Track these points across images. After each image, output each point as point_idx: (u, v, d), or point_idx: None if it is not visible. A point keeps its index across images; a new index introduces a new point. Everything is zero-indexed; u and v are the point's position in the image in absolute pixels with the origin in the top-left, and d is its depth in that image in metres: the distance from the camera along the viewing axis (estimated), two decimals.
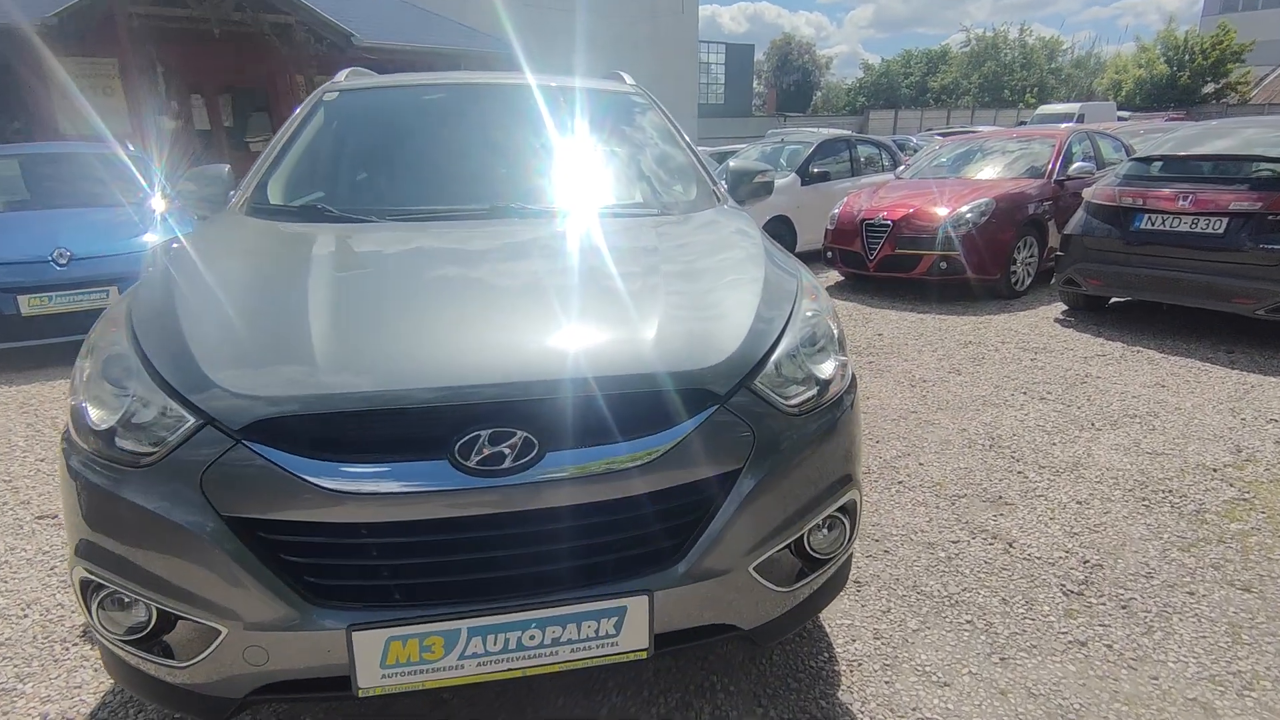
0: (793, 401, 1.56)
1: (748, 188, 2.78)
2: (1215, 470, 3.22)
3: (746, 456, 1.47)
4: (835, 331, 1.77)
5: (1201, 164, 5.29)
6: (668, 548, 1.45)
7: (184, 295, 1.61)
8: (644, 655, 1.43)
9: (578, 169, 2.54)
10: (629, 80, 3.20)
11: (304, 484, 1.27)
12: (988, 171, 7.61)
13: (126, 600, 1.37)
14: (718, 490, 1.46)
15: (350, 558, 1.33)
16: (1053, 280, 6.10)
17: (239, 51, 11.50)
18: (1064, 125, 9.60)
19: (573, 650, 1.39)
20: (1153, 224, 5.19)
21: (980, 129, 17.48)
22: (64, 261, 5.01)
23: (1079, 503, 2.96)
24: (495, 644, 1.35)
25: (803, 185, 8.75)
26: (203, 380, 1.35)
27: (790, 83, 55.54)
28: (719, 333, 1.56)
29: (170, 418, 1.34)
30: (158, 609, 1.35)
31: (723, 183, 2.75)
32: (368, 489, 1.28)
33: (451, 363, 1.40)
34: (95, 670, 2.07)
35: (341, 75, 3.00)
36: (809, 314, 1.75)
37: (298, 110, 2.71)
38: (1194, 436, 3.58)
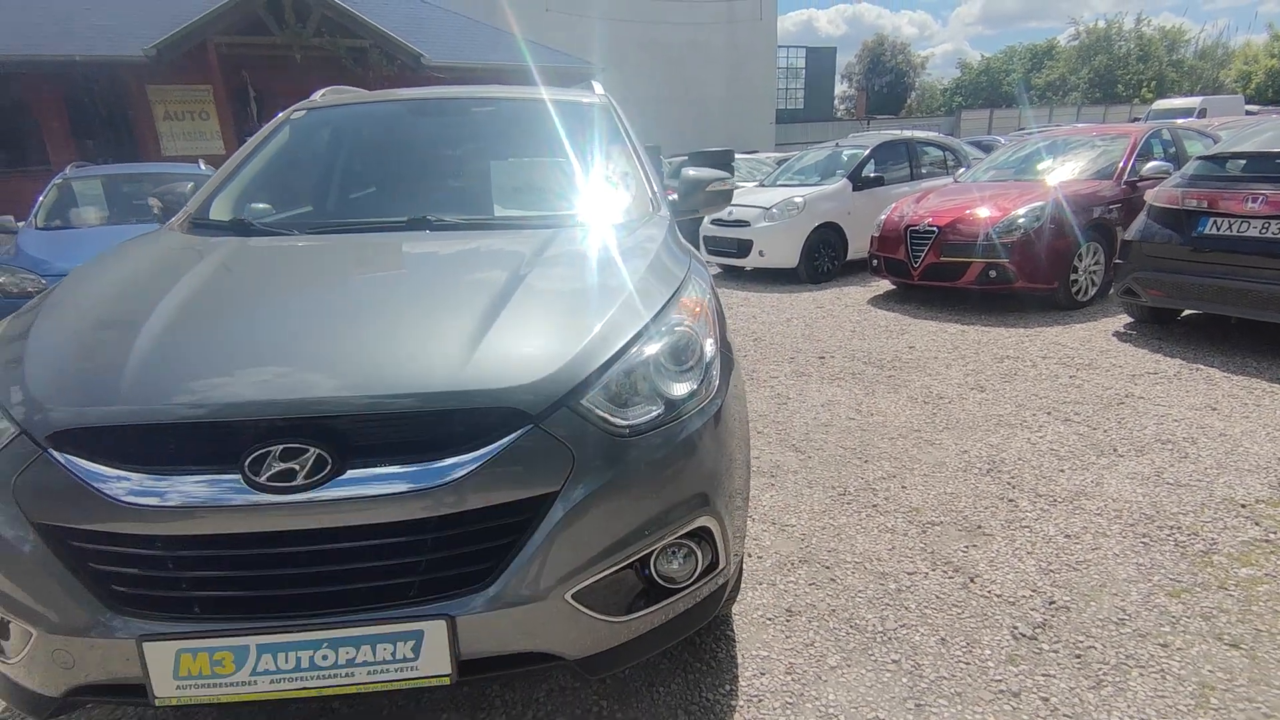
0: (627, 422, 1.49)
1: (700, 196, 2.70)
2: (1244, 506, 2.85)
3: (564, 479, 1.41)
4: (703, 349, 1.68)
5: (1276, 162, 4.72)
6: (474, 571, 1.40)
7: (49, 312, 1.70)
8: (447, 681, 1.40)
9: (510, 183, 2.54)
10: (598, 89, 3.18)
11: (98, 495, 1.31)
12: (1054, 172, 7.08)
13: None
14: (530, 514, 1.41)
15: (149, 568, 1.36)
16: (1111, 290, 5.60)
17: (320, 74, 12.24)
18: (1151, 123, 8.82)
19: (369, 672, 1.37)
20: (1218, 228, 4.68)
21: (1077, 126, 16.34)
22: None
23: (1067, 536, 2.69)
24: (286, 662, 1.35)
25: (855, 190, 8.44)
26: (21, 391, 1.42)
27: (882, 85, 53.88)
28: (544, 350, 1.51)
29: (2, 426, 1.41)
30: None
31: (670, 193, 2.67)
32: (158, 503, 1.31)
33: (250, 378, 1.42)
34: None
35: (317, 94, 3.12)
36: (677, 326, 1.66)
37: (264, 128, 2.84)
38: (1231, 467, 3.18)
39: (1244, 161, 4.92)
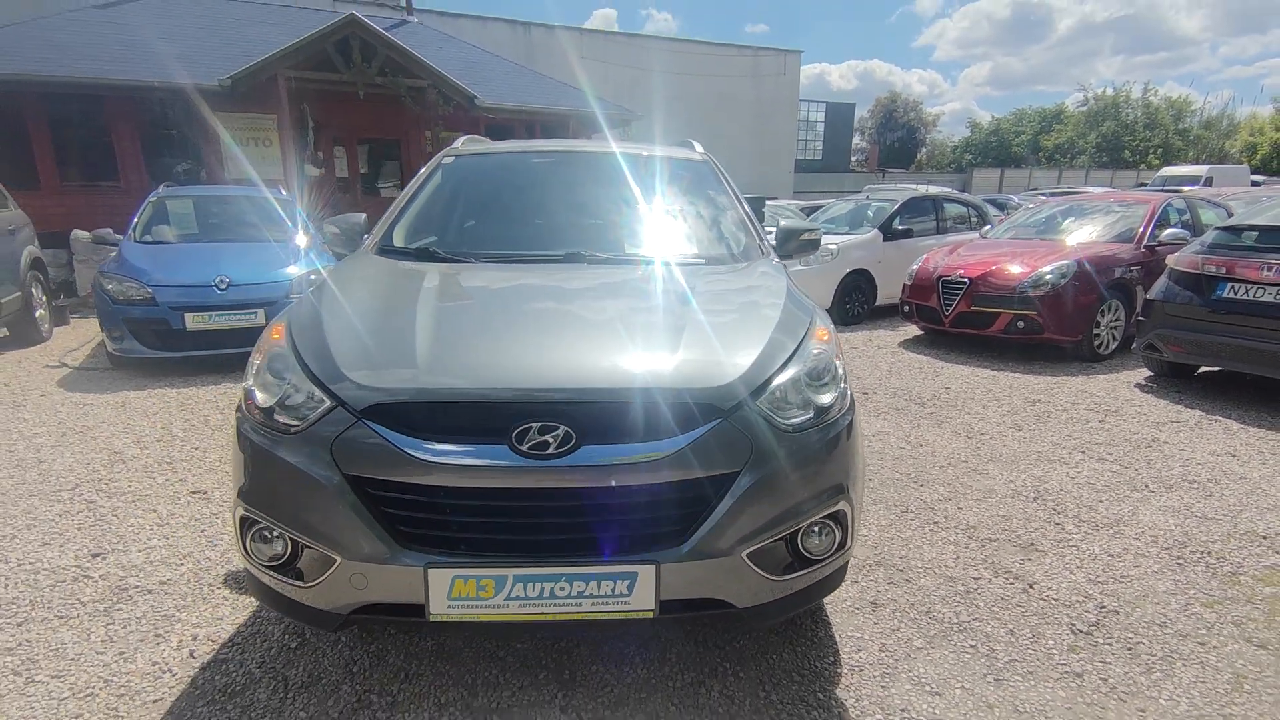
0: (790, 421, 1.90)
1: (794, 244, 3.14)
2: (1266, 538, 3.22)
3: (745, 462, 1.81)
4: (838, 369, 2.09)
5: None
6: (675, 530, 1.79)
7: (328, 312, 2.13)
8: (650, 615, 1.77)
9: (642, 224, 2.99)
10: (699, 148, 3.66)
11: (401, 454, 1.72)
12: (1077, 234, 7.56)
13: (270, 536, 1.86)
14: (719, 487, 1.80)
15: (431, 512, 1.76)
16: (1133, 345, 6.02)
17: (378, 109, 12.93)
18: (1169, 190, 9.33)
19: (593, 604, 1.75)
20: (1235, 293, 5.12)
21: (1089, 190, 16.97)
22: (224, 287, 5.92)
23: (1111, 555, 3.06)
24: (533, 590, 1.73)
25: (885, 241, 8.94)
26: (338, 375, 1.84)
27: (894, 139, 55.23)
28: (729, 360, 1.92)
29: (313, 400, 1.83)
30: (291, 541, 1.82)
31: (770, 240, 3.12)
32: (445, 461, 1.71)
33: (515, 370, 1.83)
34: (233, 608, 2.59)
35: (459, 142, 3.60)
36: (816, 351, 2.08)
37: (421, 171, 3.31)
38: (1252, 505, 3.56)
39: (1258, 233, 5.38)
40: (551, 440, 1.73)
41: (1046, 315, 6.53)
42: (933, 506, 3.53)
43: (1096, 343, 6.75)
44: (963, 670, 2.31)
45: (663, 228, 3.01)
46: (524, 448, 1.72)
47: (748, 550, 1.82)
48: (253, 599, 2.63)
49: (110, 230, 7.04)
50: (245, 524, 1.89)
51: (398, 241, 2.91)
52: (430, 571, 1.71)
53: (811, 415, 1.94)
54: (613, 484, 1.74)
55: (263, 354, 2.02)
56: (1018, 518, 3.41)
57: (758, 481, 1.81)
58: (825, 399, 1.99)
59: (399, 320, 2.09)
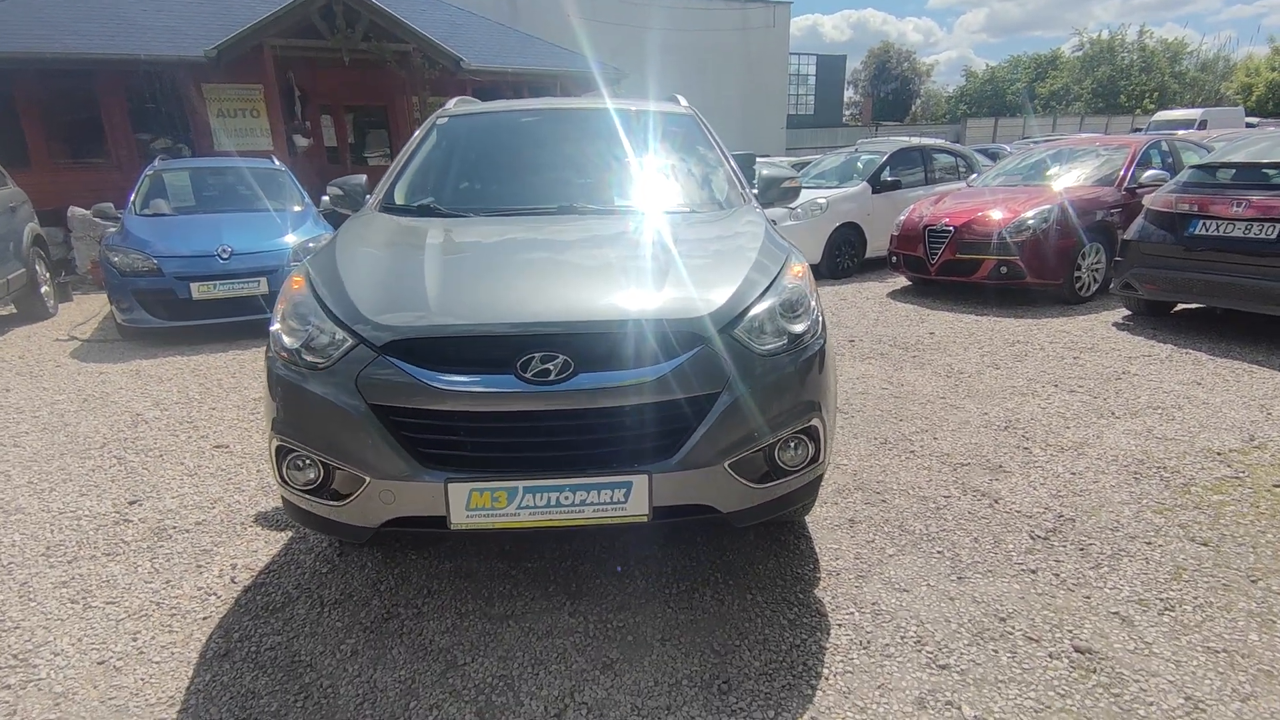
0: (765, 347, 2.11)
1: (775, 192, 3.32)
2: (1219, 454, 3.47)
3: (724, 383, 2.02)
4: (810, 301, 2.30)
5: (1262, 172, 5.35)
6: (665, 445, 2.02)
7: (344, 262, 2.33)
8: (645, 519, 2.00)
9: (630, 177, 3.16)
10: (683, 102, 3.81)
11: (419, 384, 1.93)
12: (1061, 178, 7.71)
13: (303, 464, 2.08)
14: (702, 406, 2.02)
15: (448, 435, 1.97)
16: (1111, 285, 6.22)
17: (363, 76, 12.87)
18: (1150, 134, 9.44)
19: (594, 510, 1.98)
20: (1207, 230, 5.30)
21: (1080, 136, 16.98)
22: (226, 256, 6.08)
23: (1073, 474, 3.30)
24: (541, 500, 1.96)
25: (874, 193, 9.06)
26: (358, 316, 2.04)
27: (888, 91, 54.56)
28: (709, 294, 2.12)
29: (337, 340, 2.03)
30: (324, 465, 2.04)
31: (753, 189, 3.29)
32: (458, 389, 1.92)
33: (517, 307, 2.03)
34: (266, 541, 2.84)
35: (451, 103, 3.75)
36: (790, 285, 2.28)
37: (416, 133, 3.47)
38: (1211, 426, 3.80)
39: (1233, 170, 5.54)
40: (552, 368, 1.93)
41: (1028, 260, 6.72)
42: (910, 438, 3.77)
43: (1078, 285, 6.95)
44: (929, 571, 2.56)
45: (649, 179, 3.18)
46: (528, 375, 1.93)
47: (729, 461, 2.04)
48: (284, 534, 2.87)
49: (110, 205, 7.15)
50: (281, 453, 2.11)
51: (399, 199, 3.08)
52: (450, 485, 1.94)
53: (785, 342, 2.15)
54: (607, 405, 1.95)
55: (286, 301, 2.22)
56: (989, 445, 3.66)
57: (736, 400, 2.02)
58: (798, 327, 2.20)
59: (409, 267, 2.28)
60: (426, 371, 1.94)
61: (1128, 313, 6.36)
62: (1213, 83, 42.96)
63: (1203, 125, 22.13)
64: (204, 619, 2.36)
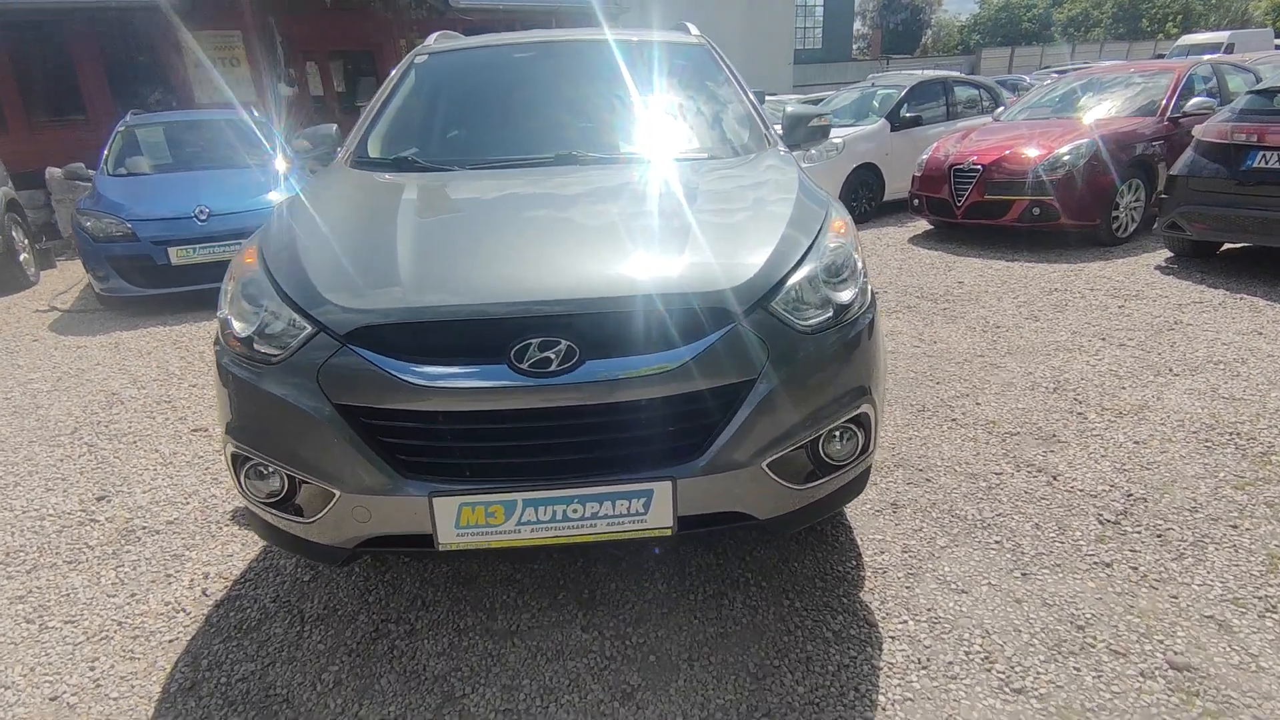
0: (808, 322, 1.76)
1: (802, 131, 2.91)
2: None
3: (761, 368, 1.68)
4: (857, 263, 1.93)
5: None
6: (691, 444, 1.69)
7: (302, 232, 1.96)
8: (668, 533, 1.69)
9: (638, 119, 2.75)
10: (694, 31, 3.35)
11: (393, 379, 1.59)
12: (1095, 110, 7.16)
13: (265, 472, 1.76)
14: (735, 396, 1.68)
15: (430, 439, 1.65)
16: (1155, 225, 5.78)
17: (347, 19, 12.18)
18: (1192, 58, 8.79)
19: (608, 524, 1.67)
20: (1267, 162, 4.84)
21: (1113, 64, 16.07)
22: (204, 218, 5.69)
23: (1136, 443, 2.97)
24: (545, 514, 1.65)
25: (892, 131, 8.51)
26: (317, 298, 1.69)
27: (897, 22, 52.31)
28: (740, 261, 1.76)
29: (294, 327, 1.69)
30: (288, 476, 1.72)
31: (777, 128, 2.88)
32: (441, 384, 1.59)
33: (510, 283, 1.68)
34: (243, 544, 2.55)
35: (431, 39, 3.30)
36: (833, 245, 1.91)
37: (392, 73, 3.05)
38: None
39: None
40: (553, 356, 1.59)
41: (1063, 200, 6.25)
42: (950, 403, 3.43)
43: (1115, 225, 6.49)
44: (988, 566, 2.26)
45: (660, 121, 2.77)
46: (524, 366, 1.59)
47: (768, 460, 1.72)
48: None
49: (82, 165, 6.73)
50: (238, 461, 1.79)
51: (373, 152, 2.69)
52: (435, 501, 1.62)
53: (830, 315, 1.80)
54: (621, 399, 1.62)
55: (235, 280, 1.87)
56: (1038, 410, 3.32)
57: (775, 388, 1.68)
58: (844, 296, 1.84)
59: (380, 236, 1.91)
60: (401, 364, 1.61)
61: (1170, 255, 5.92)
62: (1239, 3, 40.92)
63: (1230, 49, 21.02)
64: (170, 642, 2.09)
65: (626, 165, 2.45)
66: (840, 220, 2.07)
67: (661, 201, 2.07)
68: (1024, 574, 2.22)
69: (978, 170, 6.60)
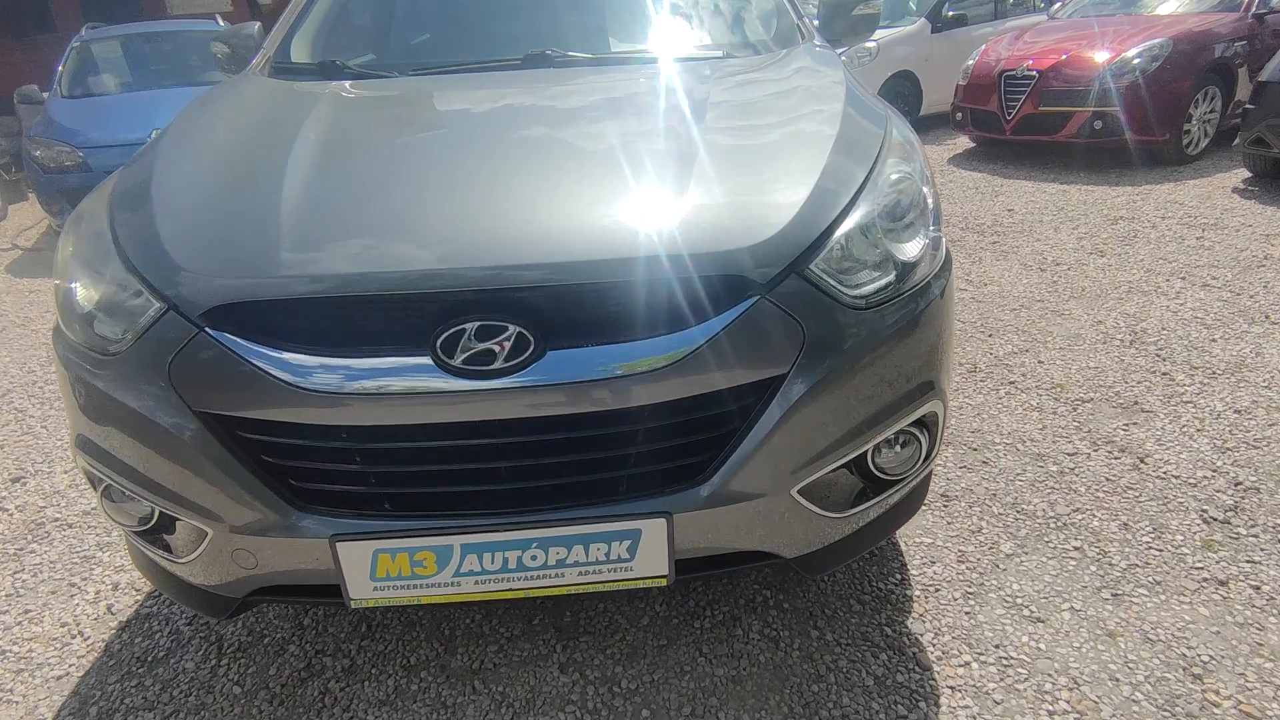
0: (861, 290, 1.25)
1: (844, 22, 2.30)
2: None
3: (794, 360, 1.19)
4: (928, 200, 1.40)
5: None
6: (692, 464, 1.22)
7: (166, 168, 1.45)
8: (664, 583, 1.25)
9: (631, 5, 2.15)
10: None
11: (269, 378, 1.12)
12: (1167, 5, 6.27)
13: (125, 494, 1.32)
14: (756, 399, 1.20)
15: (333, 462, 1.19)
16: (1235, 141, 5.05)
17: None
18: None
19: (581, 573, 1.22)
20: None
21: None
22: None
23: (1237, 412, 2.46)
24: (493, 563, 1.20)
25: (933, 33, 7.61)
26: (164, 261, 1.20)
27: None
28: (766, 203, 1.24)
29: (139, 302, 1.21)
30: (148, 502, 1.28)
31: (811, 19, 2.27)
32: (339, 387, 1.12)
33: (433, 241, 1.18)
34: None
35: None
36: (894, 177, 1.38)
37: None
38: None
39: None
40: (497, 349, 1.11)
41: (1130, 111, 5.49)
42: (1007, 361, 2.91)
43: (1186, 141, 5.73)
44: (1069, 583, 1.81)
45: (659, 8, 2.17)
46: (456, 361, 1.11)
47: (800, 484, 1.25)
48: None
49: (36, 88, 6.11)
50: (93, 480, 1.35)
51: (297, 55, 2.12)
52: (340, 546, 1.18)
53: (893, 278, 1.29)
54: (594, 409, 1.14)
55: (73, 239, 1.38)
56: (1114, 369, 2.80)
57: (816, 386, 1.19)
58: (910, 249, 1.32)
59: (266, 175, 1.39)
60: (278, 356, 1.13)
61: (1249, 176, 5.20)
62: None
63: None
64: (58, 679, 1.71)
65: (616, 68, 1.88)
66: (901, 139, 1.52)
67: (658, 119, 1.53)
68: (1115, 594, 1.77)
69: (1032, 77, 5.81)
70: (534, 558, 1.20)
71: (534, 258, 1.14)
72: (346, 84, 1.87)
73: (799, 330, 1.18)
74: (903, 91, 7.55)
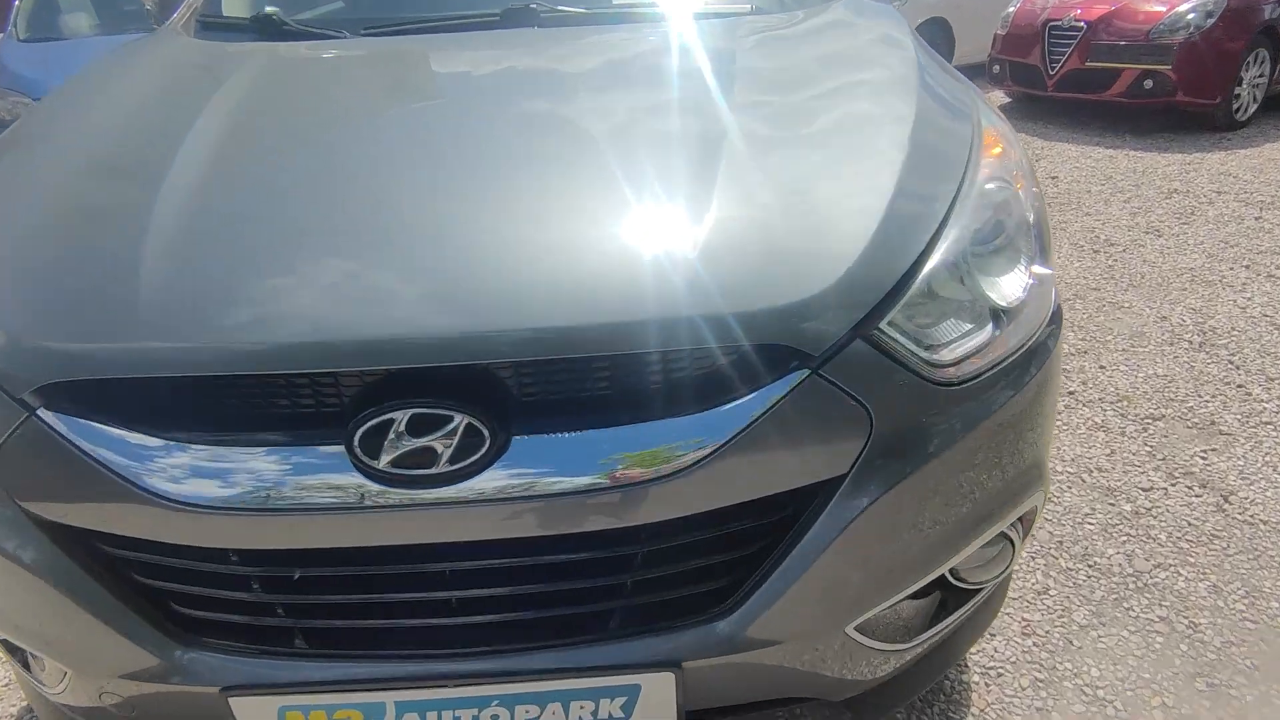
0: (949, 354, 0.90)
1: None
2: None
3: (855, 457, 0.85)
4: (1031, 218, 1.04)
5: None
6: (711, 591, 0.90)
7: (6, 179, 1.09)
8: None
9: None
10: None
11: (123, 482, 0.79)
12: None
13: None
14: (800, 509, 0.87)
15: (224, 587, 0.88)
16: None
17: None
18: None
19: None
20: None
21: None
22: None
23: None
24: None
25: None
26: None
27: None
28: (820, 232, 0.89)
29: None
30: None
31: None
32: (218, 494, 0.79)
33: (353, 294, 0.83)
34: None
35: None
36: (990, 187, 1.02)
37: None
38: None
39: None
40: (441, 447, 0.78)
41: (1181, 71, 5.02)
42: (1064, 364, 2.57)
43: (1235, 105, 5.24)
44: (1157, 668, 1.51)
45: None
46: (381, 463, 0.77)
47: (859, 620, 0.93)
48: None
49: None
50: None
51: (231, 9, 1.72)
52: (235, 702, 0.87)
53: (990, 333, 0.94)
54: (574, 529, 0.82)
55: None
56: (1184, 377, 2.45)
57: (887, 495, 0.86)
58: (1014, 291, 0.97)
59: (144, 189, 1.01)
60: (140, 445, 0.80)
61: None
62: None
63: None
64: None
65: (614, 30, 1.49)
66: (995, 132, 1.15)
67: (670, 103, 1.15)
68: (1211, 685, 1.47)
69: (1080, 29, 5.30)
70: (494, 717, 0.89)
71: (494, 323, 0.79)
72: (280, 47, 1.48)
73: (864, 416, 0.84)
74: (933, 39, 6.96)
